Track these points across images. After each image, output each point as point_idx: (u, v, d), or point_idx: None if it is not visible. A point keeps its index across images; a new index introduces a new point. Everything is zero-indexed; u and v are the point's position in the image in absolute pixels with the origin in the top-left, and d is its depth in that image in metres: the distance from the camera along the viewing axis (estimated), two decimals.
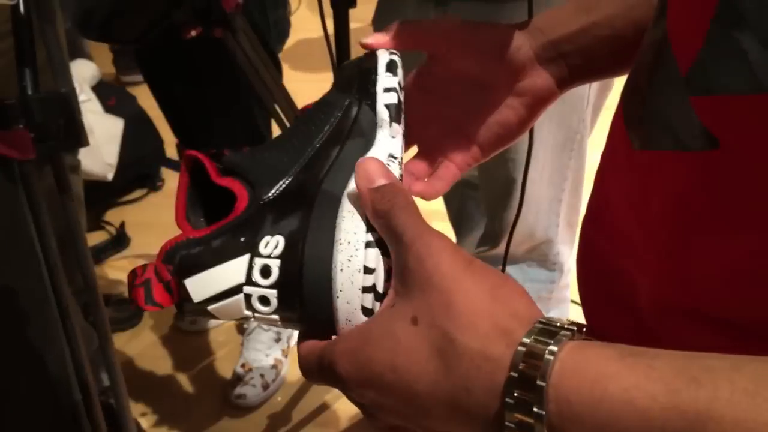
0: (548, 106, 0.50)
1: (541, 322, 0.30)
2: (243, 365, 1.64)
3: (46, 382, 0.74)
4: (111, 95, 2.20)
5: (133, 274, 0.38)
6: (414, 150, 0.52)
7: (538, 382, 0.27)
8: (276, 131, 1.31)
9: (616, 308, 0.44)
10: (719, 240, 0.34)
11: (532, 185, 1.06)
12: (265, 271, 0.37)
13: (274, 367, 1.63)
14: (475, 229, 1.42)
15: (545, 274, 1.22)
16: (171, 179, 2.38)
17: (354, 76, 0.45)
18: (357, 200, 0.37)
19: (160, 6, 0.92)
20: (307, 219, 0.37)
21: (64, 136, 0.79)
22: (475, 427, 0.30)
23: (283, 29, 1.49)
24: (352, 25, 1.11)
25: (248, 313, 0.38)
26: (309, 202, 0.38)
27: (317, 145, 0.41)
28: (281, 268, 0.37)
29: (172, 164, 2.36)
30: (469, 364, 0.29)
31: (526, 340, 0.28)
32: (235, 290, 0.37)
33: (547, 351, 0.28)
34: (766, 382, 0.24)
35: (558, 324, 0.30)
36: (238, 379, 1.61)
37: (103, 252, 2.05)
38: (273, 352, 1.65)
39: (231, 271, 0.37)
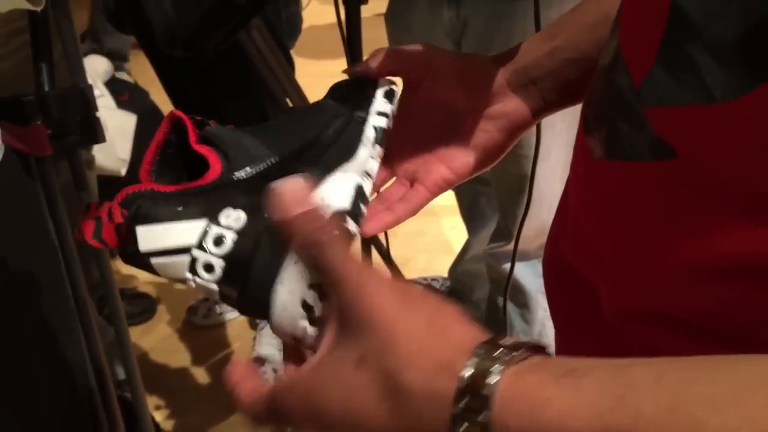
0: (523, 132, 0.51)
1: (480, 348, 0.29)
2: (256, 359, 1.65)
3: (65, 374, 0.75)
4: (124, 90, 2.21)
5: (87, 207, 0.38)
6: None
7: (480, 419, 0.28)
8: None
9: (581, 312, 0.45)
10: (675, 244, 0.34)
11: (544, 182, 1.05)
12: (219, 241, 0.37)
13: None
14: (488, 225, 1.42)
15: None
16: None
17: (350, 95, 0.46)
18: (326, 201, 0.39)
19: (239, 19, 0.94)
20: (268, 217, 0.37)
21: (80, 132, 0.80)
22: None
23: (295, 25, 1.50)
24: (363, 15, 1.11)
25: (189, 275, 0.38)
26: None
27: (300, 143, 0.42)
28: (236, 242, 0.37)
29: None
30: (417, 403, 0.29)
31: (465, 375, 0.29)
32: (183, 250, 0.38)
33: (485, 383, 0.28)
34: (686, 394, 0.25)
35: (495, 347, 0.30)
36: None
37: None
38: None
39: (185, 231, 0.38)
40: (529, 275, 1.23)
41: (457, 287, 1.71)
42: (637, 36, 0.35)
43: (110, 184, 1.98)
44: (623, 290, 0.39)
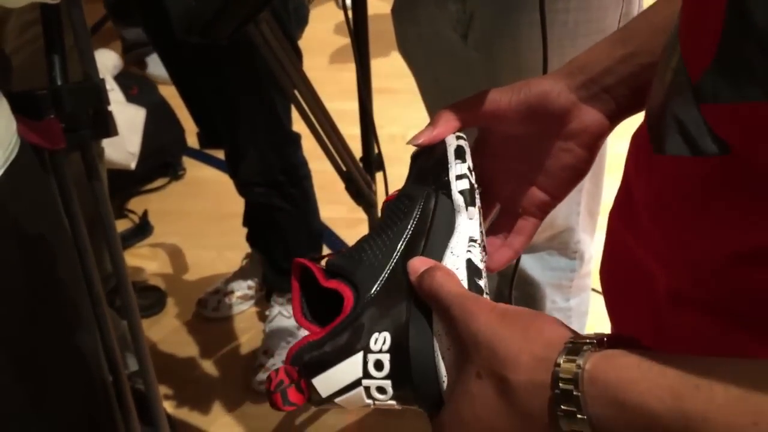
0: (604, 139, 0.52)
1: (569, 343, 0.34)
2: (265, 352, 1.66)
3: (80, 365, 0.76)
4: (133, 84, 2.23)
5: (269, 379, 0.44)
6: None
7: (575, 393, 0.33)
8: (297, 118, 1.32)
9: (636, 299, 0.46)
10: (729, 236, 0.36)
11: None
12: (379, 365, 0.42)
13: None
14: None
15: (566, 262, 1.22)
16: (192, 168, 2.41)
17: (428, 167, 0.50)
18: None
19: (257, 5, 0.95)
20: (407, 311, 0.43)
21: (93, 126, 0.80)
22: None
23: (302, 16, 1.50)
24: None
25: (369, 401, 0.43)
26: (406, 294, 0.43)
27: (406, 239, 0.46)
28: (391, 362, 0.42)
29: (193, 153, 2.39)
30: (524, 394, 0.35)
31: (560, 361, 0.34)
32: (356, 384, 0.43)
33: (576, 367, 0.33)
34: (755, 386, 0.28)
35: (583, 341, 0.34)
36: (260, 365, 1.63)
37: (126, 240, 2.07)
38: (294, 340, 1.67)
39: (350, 368, 0.43)
40: (537, 267, 1.23)
41: None
42: (695, 32, 0.36)
43: (120, 177, 1.99)
44: (678, 279, 0.41)
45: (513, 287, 0.94)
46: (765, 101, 0.31)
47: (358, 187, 1.31)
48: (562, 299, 1.26)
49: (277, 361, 1.63)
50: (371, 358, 0.42)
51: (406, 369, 0.42)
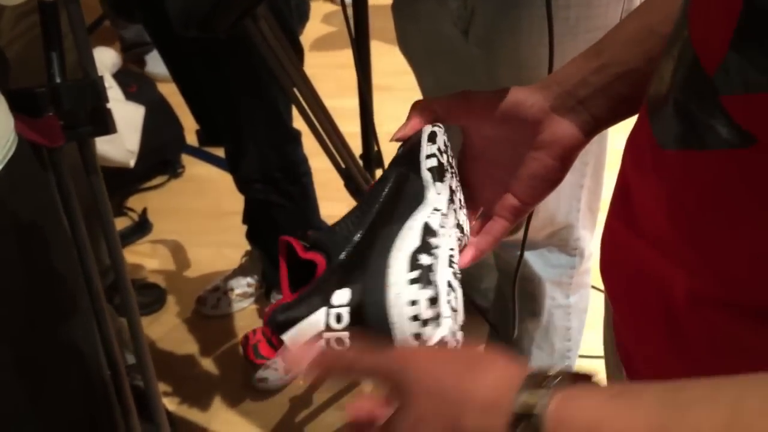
0: (577, 153, 0.53)
1: (527, 381, 0.32)
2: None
3: (79, 361, 0.76)
4: (131, 82, 2.22)
5: (245, 338, 0.46)
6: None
7: None
8: (296, 116, 1.32)
9: (645, 301, 0.45)
10: (754, 231, 0.35)
11: None
12: (338, 318, 0.46)
13: None
14: None
15: (566, 259, 1.22)
16: (191, 166, 2.41)
17: (404, 153, 0.53)
18: (401, 248, 0.46)
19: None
20: (366, 271, 0.46)
21: (92, 123, 0.80)
22: None
23: (304, 11, 1.49)
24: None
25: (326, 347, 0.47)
26: (368, 256, 0.47)
27: (375, 211, 0.50)
28: (350, 314, 0.45)
29: (192, 151, 2.38)
30: None
31: (515, 405, 0.31)
32: (318, 336, 0.46)
33: (535, 411, 0.30)
34: (741, 409, 0.26)
35: (542, 378, 0.32)
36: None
37: (126, 237, 2.08)
38: None
39: (314, 322, 0.46)
40: (538, 264, 1.23)
41: (464, 276, 1.71)
42: (709, 24, 0.35)
43: (119, 175, 1.99)
44: (698, 279, 0.39)
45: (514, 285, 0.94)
46: None
47: (358, 185, 1.31)
48: (562, 296, 1.26)
49: (277, 357, 1.63)
50: (332, 312, 0.45)
51: (362, 320, 0.45)
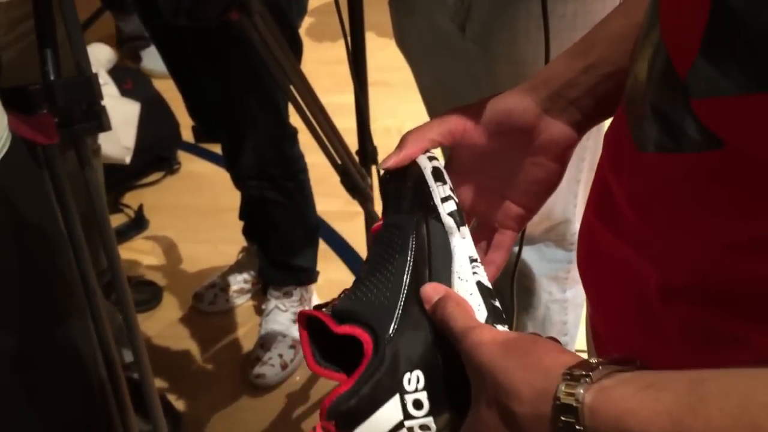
0: (573, 150, 0.52)
1: (566, 374, 0.35)
2: (261, 345, 1.66)
3: (75, 358, 0.76)
4: (127, 78, 2.22)
5: None
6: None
7: (577, 427, 0.33)
8: (292, 112, 1.32)
9: (621, 298, 0.46)
10: (725, 228, 0.36)
11: None
12: (418, 404, 0.42)
13: (292, 347, 1.65)
14: None
15: (562, 254, 1.22)
16: (187, 162, 2.40)
17: (408, 193, 0.49)
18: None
19: None
20: (432, 346, 0.43)
21: (86, 120, 0.80)
22: None
23: (303, 5, 1.49)
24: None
25: None
26: (424, 327, 0.44)
27: (409, 272, 0.46)
28: (429, 398, 0.42)
29: (188, 147, 2.38)
30: (528, 425, 0.36)
31: (560, 395, 0.34)
32: (398, 427, 0.42)
33: (575, 401, 0.34)
34: (750, 403, 0.29)
35: (580, 372, 0.35)
36: (256, 359, 1.64)
37: (122, 234, 2.07)
38: (291, 333, 1.67)
39: (390, 413, 0.42)
40: (534, 259, 1.23)
41: None
42: (679, 26, 0.35)
43: (115, 171, 1.98)
44: (670, 273, 0.41)
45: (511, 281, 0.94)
46: (757, 93, 0.30)
47: (354, 181, 1.31)
48: (559, 291, 1.26)
49: (274, 354, 1.63)
50: (408, 398, 0.42)
51: (446, 403, 0.42)
